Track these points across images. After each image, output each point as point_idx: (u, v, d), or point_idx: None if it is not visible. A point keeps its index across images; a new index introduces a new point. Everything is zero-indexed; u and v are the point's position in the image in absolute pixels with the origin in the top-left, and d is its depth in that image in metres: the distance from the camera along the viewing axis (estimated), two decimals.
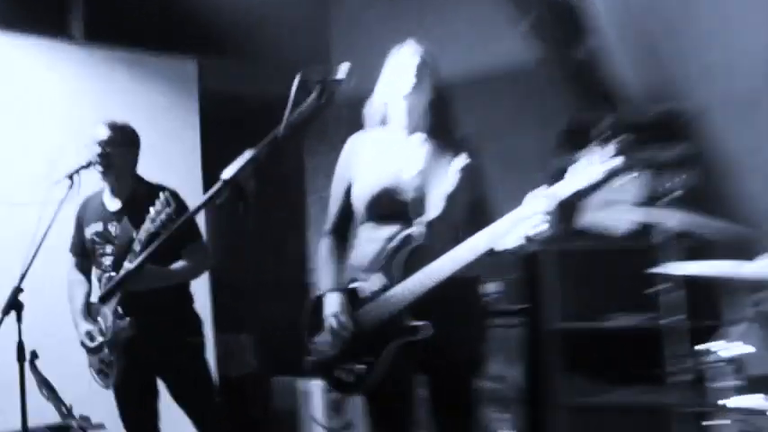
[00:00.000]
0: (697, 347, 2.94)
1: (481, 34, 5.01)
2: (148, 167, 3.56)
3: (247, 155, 1.84)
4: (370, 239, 2.72)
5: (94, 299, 3.50)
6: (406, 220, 2.65)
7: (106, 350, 3.32)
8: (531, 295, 4.24)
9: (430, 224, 2.63)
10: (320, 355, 2.74)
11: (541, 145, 4.64)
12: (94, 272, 3.48)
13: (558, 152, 4.04)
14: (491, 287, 4.22)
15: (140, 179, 3.50)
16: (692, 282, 3.34)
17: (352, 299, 2.72)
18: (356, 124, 2.89)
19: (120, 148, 3.41)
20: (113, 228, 3.38)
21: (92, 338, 3.36)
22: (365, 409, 2.75)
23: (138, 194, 3.39)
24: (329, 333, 2.69)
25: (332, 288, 2.75)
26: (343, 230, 2.87)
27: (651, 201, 3.67)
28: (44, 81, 4.49)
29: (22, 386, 3.12)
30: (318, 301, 2.77)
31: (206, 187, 4.82)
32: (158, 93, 4.84)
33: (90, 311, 3.46)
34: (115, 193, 3.46)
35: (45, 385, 3.50)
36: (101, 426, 3.79)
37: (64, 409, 3.61)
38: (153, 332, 3.28)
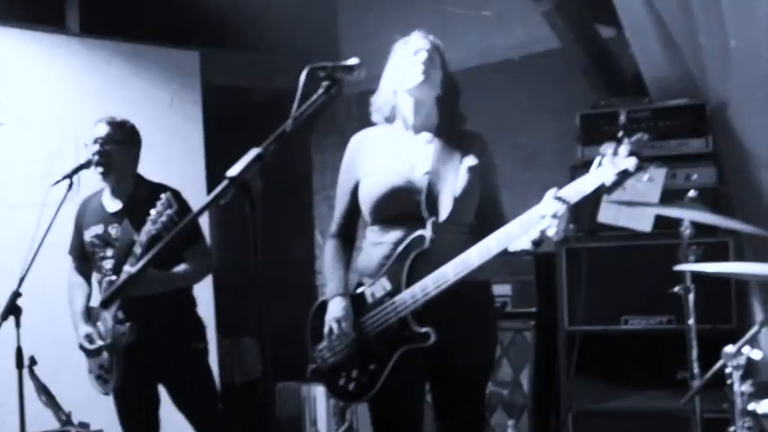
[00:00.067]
0: (714, 351, 2.95)
1: (500, 16, 5.01)
2: (149, 165, 3.58)
3: (253, 152, 1.83)
4: (377, 242, 2.74)
5: (95, 303, 3.52)
6: (415, 222, 2.66)
7: (106, 355, 3.35)
8: (543, 297, 4.24)
9: (439, 226, 2.64)
10: (323, 362, 2.78)
11: (560, 137, 4.67)
12: (94, 275, 3.51)
13: (577, 143, 4.04)
14: (501, 289, 4.23)
15: (141, 179, 3.52)
16: (712, 282, 3.35)
17: (359, 304, 2.74)
18: (366, 119, 2.91)
19: (120, 146, 3.42)
20: (113, 230, 3.40)
21: (91, 341, 3.38)
22: (371, 416, 2.78)
23: (138, 195, 3.41)
24: (327, 338, 2.71)
25: (337, 293, 2.77)
26: (349, 232, 2.89)
27: (670, 197, 3.68)
28: (41, 77, 4.51)
29: (21, 392, 3.18)
30: (323, 307, 2.80)
31: (209, 185, 4.85)
32: (159, 87, 4.85)
33: (90, 315, 3.48)
34: (115, 193, 3.47)
35: (43, 391, 3.55)
36: None
37: (63, 416, 3.67)
38: (154, 337, 3.31)
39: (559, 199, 2.43)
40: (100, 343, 3.36)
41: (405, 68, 2.71)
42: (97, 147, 3.40)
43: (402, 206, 2.69)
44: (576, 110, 4.13)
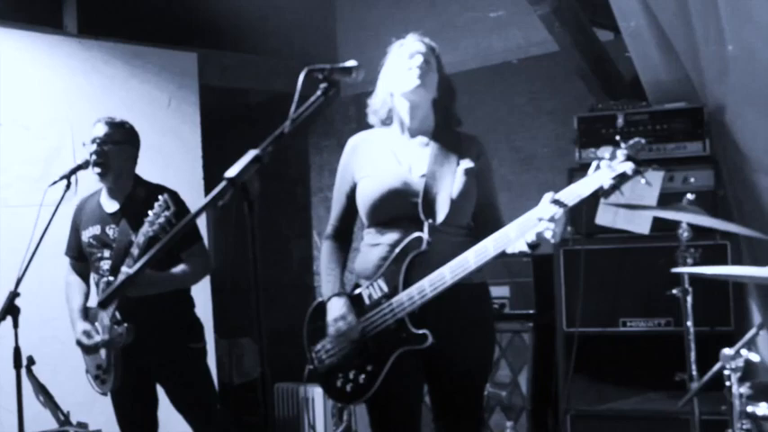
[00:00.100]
0: (712, 353, 2.96)
1: (498, 19, 5.04)
2: (147, 165, 3.59)
3: (252, 153, 1.84)
4: (374, 244, 2.75)
5: (92, 303, 3.53)
6: (412, 224, 2.66)
7: (103, 355, 3.36)
8: (541, 299, 4.25)
9: (436, 228, 2.65)
10: (320, 363, 2.79)
11: (558, 139, 4.68)
12: (92, 276, 3.51)
13: (574, 146, 4.05)
14: (499, 291, 4.24)
15: (139, 179, 3.52)
16: (710, 285, 3.36)
17: (356, 305, 2.74)
18: (363, 121, 2.92)
19: (118, 147, 3.43)
20: (111, 231, 3.40)
21: (89, 336, 3.39)
22: (369, 417, 2.79)
23: (136, 195, 3.41)
24: (335, 338, 2.71)
25: (334, 293, 2.77)
26: (345, 234, 2.90)
27: (668, 200, 3.69)
28: (38, 77, 4.51)
29: (19, 392, 3.18)
30: (320, 308, 2.81)
31: (207, 186, 4.86)
32: (157, 88, 4.86)
33: (88, 315, 3.48)
34: (113, 194, 3.47)
35: (42, 391, 3.56)
36: None
37: (61, 416, 3.68)
38: (152, 337, 3.32)
39: (557, 202, 2.45)
40: (97, 338, 3.36)
41: (401, 72, 2.72)
42: (95, 146, 3.40)
43: (399, 208, 2.70)
44: (573, 113, 4.14)
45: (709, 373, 2.75)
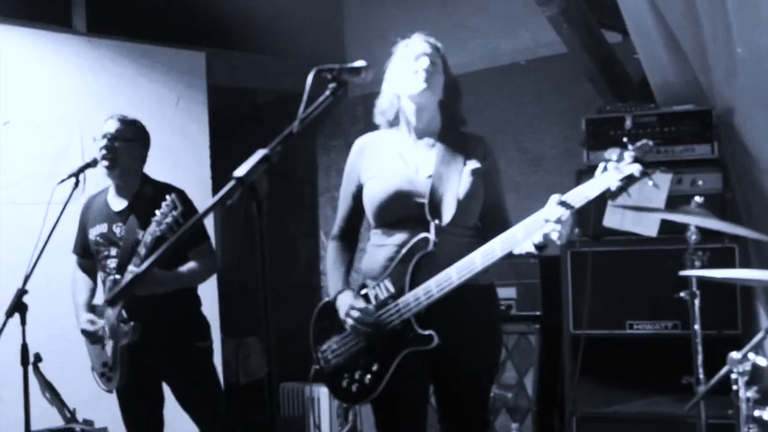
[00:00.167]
0: (720, 356, 2.95)
1: (507, 21, 5.04)
2: (155, 164, 3.60)
3: (260, 153, 1.84)
4: (381, 245, 2.75)
5: (98, 300, 3.54)
6: (418, 225, 2.66)
7: (109, 353, 3.37)
8: (548, 301, 4.25)
9: (443, 229, 2.65)
10: (326, 363, 2.79)
11: (566, 141, 4.68)
12: (99, 274, 3.52)
13: (582, 148, 4.05)
14: (506, 292, 4.24)
15: (147, 178, 3.53)
16: (718, 288, 3.35)
17: None
18: (371, 121, 2.92)
19: (127, 144, 3.44)
20: (118, 229, 3.41)
21: (93, 323, 3.40)
22: (374, 417, 2.79)
23: (144, 194, 3.42)
24: (351, 330, 2.69)
25: (339, 290, 2.78)
26: (351, 234, 2.91)
27: (676, 203, 3.69)
28: (47, 75, 4.53)
29: (26, 389, 3.20)
30: (326, 308, 2.82)
31: (215, 184, 4.87)
32: (165, 87, 4.88)
33: (94, 311, 3.49)
34: (120, 192, 3.48)
35: (48, 388, 3.57)
36: (104, 430, 3.86)
37: (67, 413, 3.69)
38: (158, 336, 3.33)
39: (563, 204, 2.45)
40: (101, 323, 3.36)
41: (407, 74, 2.72)
42: (105, 141, 3.42)
43: (405, 209, 2.70)
44: (581, 114, 4.13)
45: (717, 377, 2.74)
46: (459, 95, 2.82)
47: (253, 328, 5.48)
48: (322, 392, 5.19)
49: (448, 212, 2.67)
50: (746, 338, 2.98)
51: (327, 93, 2.04)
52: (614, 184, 2.41)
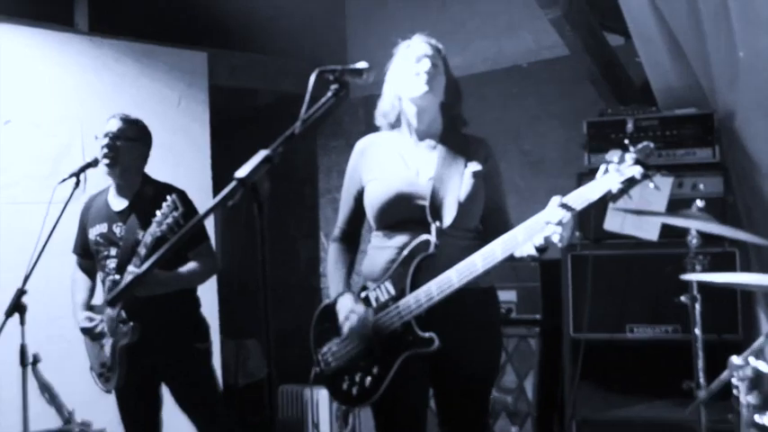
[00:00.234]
0: (720, 361, 2.95)
1: (508, 23, 5.04)
2: (156, 163, 3.59)
3: (262, 154, 1.84)
4: (382, 247, 2.75)
5: (97, 301, 3.54)
6: (419, 228, 2.66)
7: (108, 353, 3.36)
8: (548, 304, 4.24)
9: (443, 231, 2.65)
10: (327, 366, 2.79)
11: (567, 144, 4.68)
12: (98, 274, 3.51)
13: (583, 151, 4.05)
14: (506, 296, 4.24)
15: (147, 178, 3.53)
16: (718, 292, 3.35)
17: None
18: (373, 123, 2.91)
19: (129, 143, 3.44)
20: (118, 229, 3.40)
21: (91, 320, 3.40)
22: (374, 420, 2.78)
23: (144, 194, 3.42)
24: (349, 334, 2.68)
25: (340, 292, 2.77)
26: (352, 237, 2.90)
27: (677, 206, 3.68)
28: (49, 75, 4.53)
29: (24, 390, 3.20)
30: (326, 310, 2.81)
31: (215, 185, 4.87)
32: (167, 86, 4.87)
33: (93, 310, 3.49)
34: (121, 192, 3.48)
35: (46, 389, 3.57)
36: (102, 431, 3.86)
37: (65, 414, 3.68)
38: (157, 337, 3.32)
39: (564, 206, 2.45)
40: (99, 318, 3.36)
41: (408, 76, 2.72)
42: (107, 140, 3.42)
43: (406, 211, 2.69)
44: (583, 117, 4.14)
45: (717, 382, 2.74)
46: (461, 97, 2.82)
47: (252, 329, 5.47)
48: (321, 395, 5.19)
49: (449, 215, 2.67)
50: (747, 343, 2.98)
51: (329, 94, 2.04)
52: (615, 186, 2.41)
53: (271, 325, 1.83)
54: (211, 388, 3.58)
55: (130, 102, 4.46)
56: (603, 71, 4.43)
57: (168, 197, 3.15)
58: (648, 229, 3.90)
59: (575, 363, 3.86)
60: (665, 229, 3.81)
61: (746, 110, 3.88)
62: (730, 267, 3.67)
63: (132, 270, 3.21)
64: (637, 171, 2.38)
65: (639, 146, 2.43)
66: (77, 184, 3.46)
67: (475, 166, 2.73)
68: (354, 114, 5.75)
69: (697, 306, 3.28)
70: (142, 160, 3.53)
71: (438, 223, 2.66)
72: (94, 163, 3.45)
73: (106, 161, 3.42)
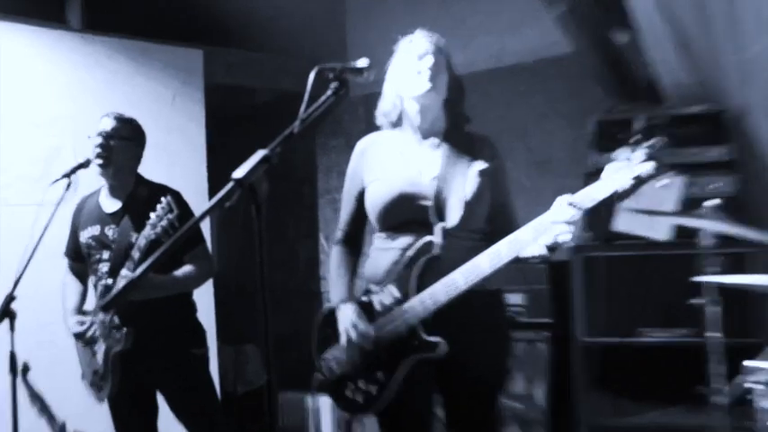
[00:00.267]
0: (738, 365, 2.93)
1: (511, 20, 5.03)
2: (150, 163, 3.57)
3: (260, 154, 1.83)
4: (385, 249, 2.73)
5: (88, 306, 3.51)
6: (423, 229, 2.64)
7: (100, 361, 3.33)
8: (558, 308, 4.23)
9: (448, 232, 2.63)
10: (330, 372, 2.76)
11: (574, 143, 4.66)
12: (90, 278, 3.49)
13: (591, 149, 4.04)
14: (514, 299, 4.22)
15: (141, 179, 3.51)
16: (732, 295, 3.33)
17: (367, 312, 2.72)
18: (373, 121, 2.89)
19: (123, 143, 3.42)
20: (110, 231, 3.38)
21: (82, 323, 3.38)
22: (379, 428, 2.76)
23: (138, 195, 3.40)
24: (347, 346, 2.68)
25: (342, 300, 2.76)
26: (355, 238, 2.88)
27: (689, 206, 3.67)
28: (40, 72, 4.51)
29: (14, 400, 3.16)
30: (329, 315, 2.78)
31: (211, 185, 4.86)
32: (161, 84, 4.86)
33: (84, 315, 3.47)
34: (114, 193, 3.46)
35: (37, 399, 3.54)
36: None
37: (57, 425, 3.66)
38: (152, 343, 3.29)
39: (572, 205, 2.43)
40: (89, 320, 3.34)
41: (410, 74, 2.70)
42: (100, 140, 3.40)
43: (410, 212, 2.68)
44: (590, 116, 4.13)
45: (737, 386, 2.72)
46: (464, 93, 2.81)
47: (250, 334, 5.45)
48: (323, 402, 5.17)
49: (454, 215, 2.65)
50: (763, 346, 2.97)
51: (329, 92, 2.03)
52: (624, 183, 2.40)
53: (270, 330, 1.81)
54: (209, 395, 3.55)
55: (124, 100, 4.45)
56: (609, 69, 4.41)
57: (163, 199, 3.13)
58: (660, 230, 3.89)
59: (585, 368, 3.86)
60: (678, 230, 3.80)
61: (759, 106, 3.86)
62: (744, 268, 3.64)
63: (126, 274, 3.18)
64: (646, 168, 2.38)
65: (649, 142, 2.42)
66: (69, 185, 3.43)
67: (480, 165, 2.71)
68: (354, 113, 5.73)
69: (711, 309, 3.26)
70: (136, 160, 3.51)
71: (442, 224, 2.64)
72: (86, 164, 3.43)
73: (99, 161, 3.40)
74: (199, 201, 3.70)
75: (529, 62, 5.00)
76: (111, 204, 3.45)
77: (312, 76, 1.97)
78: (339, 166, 5.68)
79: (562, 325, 4.14)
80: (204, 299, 4.04)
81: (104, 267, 3.36)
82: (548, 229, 2.45)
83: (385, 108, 2.81)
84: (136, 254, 3.17)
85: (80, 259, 3.52)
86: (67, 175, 3.44)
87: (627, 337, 3.90)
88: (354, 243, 2.89)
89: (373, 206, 2.75)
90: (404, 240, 2.67)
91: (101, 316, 3.31)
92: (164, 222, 3.09)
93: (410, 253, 2.65)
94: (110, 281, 3.30)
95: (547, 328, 4.23)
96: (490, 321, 2.73)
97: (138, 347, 3.27)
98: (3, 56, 4.39)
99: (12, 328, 3.17)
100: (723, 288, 3.21)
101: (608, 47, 4.43)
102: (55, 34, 4.60)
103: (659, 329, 3.86)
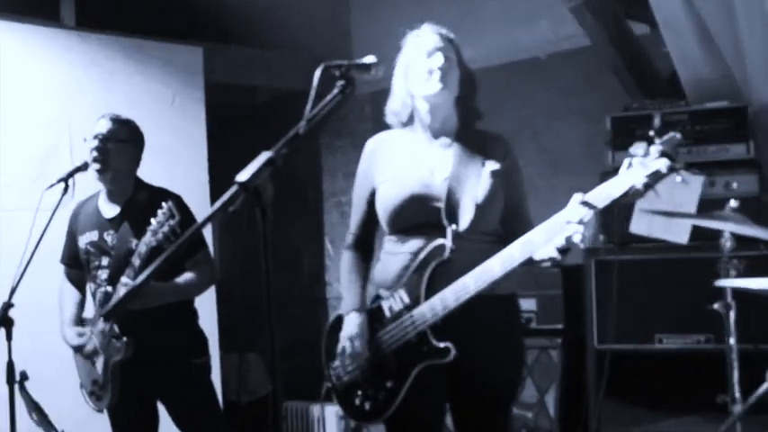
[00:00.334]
0: (759, 373, 2.94)
1: (527, 12, 5.03)
2: (150, 164, 3.58)
3: (265, 156, 1.83)
4: (395, 253, 2.74)
5: (87, 314, 3.53)
6: (434, 231, 2.65)
7: (100, 370, 3.36)
8: (571, 313, 4.23)
9: (460, 235, 2.64)
10: (338, 380, 2.78)
11: (590, 141, 4.67)
12: (88, 285, 3.50)
13: (608, 147, 4.04)
14: (526, 304, 4.22)
15: (140, 182, 3.51)
16: (752, 299, 3.34)
17: (376, 318, 2.74)
18: (380, 120, 2.91)
19: (120, 145, 3.42)
20: (109, 237, 3.39)
21: (82, 334, 3.40)
22: None
23: (137, 200, 3.41)
24: (340, 356, 2.73)
25: (354, 308, 2.77)
26: (366, 243, 2.89)
27: (709, 207, 3.67)
28: (34, 72, 4.52)
29: (12, 409, 3.19)
30: (338, 322, 2.80)
31: (212, 187, 4.87)
32: (160, 83, 4.87)
33: (83, 324, 3.49)
34: (112, 197, 3.46)
35: (35, 409, 3.56)
36: None
37: None
38: (152, 352, 3.31)
39: (586, 204, 2.42)
40: (88, 330, 3.37)
41: (420, 73, 2.70)
42: (97, 143, 3.40)
43: (421, 214, 2.68)
44: (606, 112, 4.13)
45: (754, 396, 2.74)
46: (476, 88, 2.80)
47: (254, 342, 5.47)
48: (328, 412, 5.18)
49: (466, 217, 2.66)
50: None
51: (336, 91, 2.03)
52: (640, 180, 2.37)
53: (276, 339, 1.82)
54: (211, 405, 3.57)
55: (122, 100, 4.46)
56: (628, 63, 4.42)
57: (164, 204, 3.13)
58: (678, 232, 3.88)
59: (599, 375, 3.84)
60: (697, 232, 3.80)
61: None
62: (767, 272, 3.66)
63: (126, 282, 3.20)
64: (663, 164, 2.35)
65: (665, 137, 2.40)
66: (66, 189, 3.45)
67: (493, 165, 2.72)
68: (360, 111, 5.73)
69: (731, 314, 3.26)
70: (134, 163, 3.51)
71: (454, 226, 2.65)
72: (84, 167, 3.43)
73: (96, 165, 3.40)
74: (200, 203, 3.72)
75: (542, 57, 5.00)
76: (109, 209, 3.46)
77: (318, 73, 1.97)
78: (345, 168, 5.68)
79: (575, 331, 4.14)
80: (206, 306, 4.04)
81: (103, 274, 3.38)
82: (561, 229, 2.44)
83: (395, 107, 2.82)
84: (136, 261, 3.19)
85: (78, 266, 3.53)
86: (64, 179, 3.45)
87: (643, 343, 3.89)
88: (366, 247, 2.90)
89: (383, 208, 2.75)
90: (414, 243, 2.68)
91: (100, 325, 3.34)
92: (165, 229, 3.10)
93: (421, 257, 2.65)
94: (109, 288, 3.32)
95: (559, 334, 4.22)
96: (503, 327, 2.74)
97: (139, 356, 3.29)
98: None
99: (9, 336, 3.20)
100: (745, 292, 3.21)
101: (626, 40, 4.44)
102: (49, 32, 4.61)
103: (677, 336, 3.84)
